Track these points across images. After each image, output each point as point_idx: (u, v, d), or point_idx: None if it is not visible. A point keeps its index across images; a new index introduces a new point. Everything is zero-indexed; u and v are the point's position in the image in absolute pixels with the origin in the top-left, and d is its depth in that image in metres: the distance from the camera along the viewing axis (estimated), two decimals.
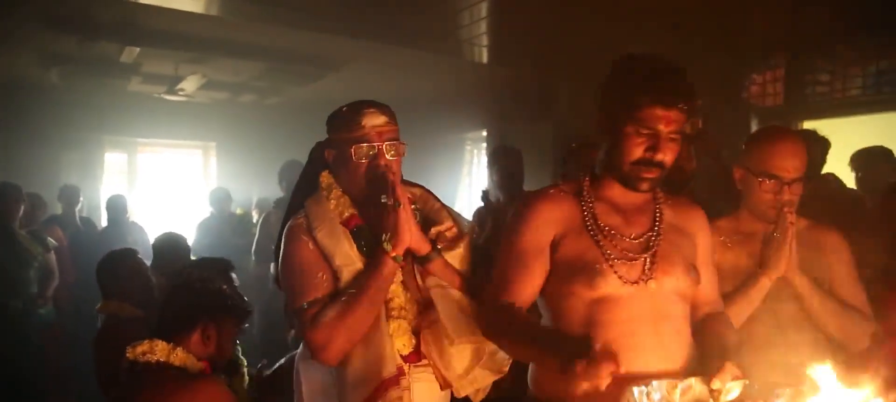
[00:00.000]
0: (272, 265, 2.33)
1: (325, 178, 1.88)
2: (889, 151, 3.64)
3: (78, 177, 7.12)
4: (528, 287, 1.64)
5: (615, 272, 1.57)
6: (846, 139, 3.78)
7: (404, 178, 1.89)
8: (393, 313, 1.77)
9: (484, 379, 1.83)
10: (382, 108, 1.82)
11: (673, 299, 1.61)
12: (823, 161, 3.37)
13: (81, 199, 6.21)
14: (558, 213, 1.67)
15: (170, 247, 3.63)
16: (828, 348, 1.92)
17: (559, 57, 5.27)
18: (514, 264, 1.65)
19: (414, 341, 1.80)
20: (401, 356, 1.77)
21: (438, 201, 1.95)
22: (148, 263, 3.34)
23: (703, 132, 2.61)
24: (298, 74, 6.33)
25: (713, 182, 2.42)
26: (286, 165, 4.83)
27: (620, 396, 1.38)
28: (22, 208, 4.69)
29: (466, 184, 7.73)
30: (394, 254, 1.70)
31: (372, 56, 5.60)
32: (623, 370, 1.35)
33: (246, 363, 2.40)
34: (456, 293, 1.79)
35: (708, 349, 1.57)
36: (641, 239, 1.64)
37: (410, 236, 1.73)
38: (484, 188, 3.96)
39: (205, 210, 6.50)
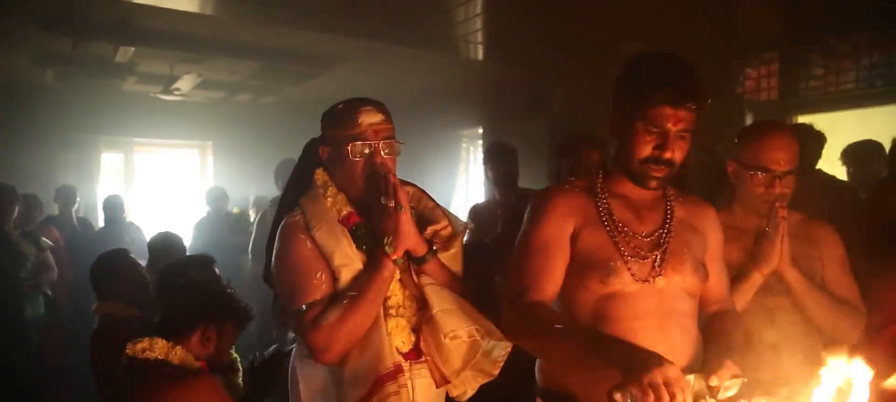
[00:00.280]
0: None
1: (320, 175, 1.87)
2: (880, 145, 3.66)
3: (74, 177, 7.13)
4: (554, 280, 1.62)
5: (629, 269, 1.58)
6: (840, 133, 3.81)
7: (398, 176, 1.89)
8: (390, 311, 1.77)
9: (473, 381, 1.84)
10: (379, 106, 1.82)
11: (680, 296, 1.62)
12: (819, 156, 3.39)
13: (78, 199, 6.21)
14: (575, 206, 1.68)
15: (165, 246, 3.65)
16: (820, 341, 1.94)
17: (553, 53, 5.28)
18: (538, 257, 1.63)
19: (413, 338, 1.80)
20: (400, 353, 1.77)
21: (432, 199, 1.96)
22: (144, 262, 3.35)
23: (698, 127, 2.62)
24: (293, 73, 6.32)
25: (708, 177, 2.43)
26: (282, 164, 4.83)
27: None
28: (16, 209, 4.69)
29: (462, 181, 7.74)
30: (395, 257, 1.71)
31: (366, 55, 5.60)
32: None
33: (239, 359, 2.42)
34: (449, 291, 1.79)
35: (712, 348, 1.58)
36: (653, 236, 1.65)
37: (411, 238, 1.73)
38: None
39: (201, 209, 6.50)
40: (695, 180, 2.46)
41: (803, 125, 3.63)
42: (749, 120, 4.57)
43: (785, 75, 4.54)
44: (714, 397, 1.43)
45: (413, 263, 1.81)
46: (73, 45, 5.27)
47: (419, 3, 4.34)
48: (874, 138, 3.78)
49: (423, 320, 1.80)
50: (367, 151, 1.77)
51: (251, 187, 7.25)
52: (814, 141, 3.36)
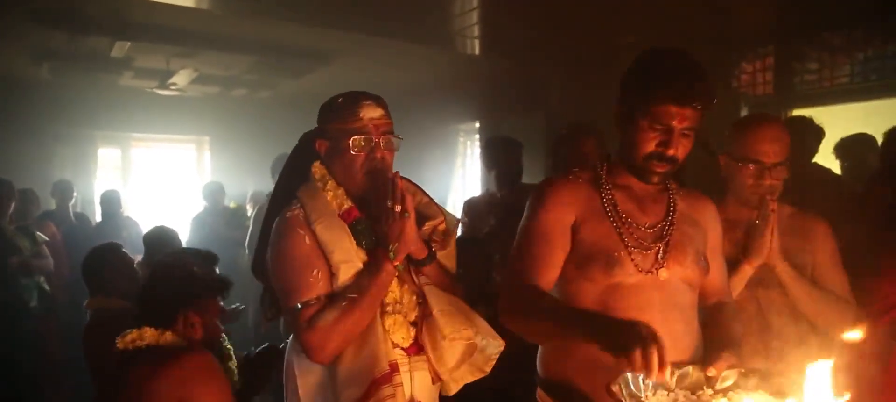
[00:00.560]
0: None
1: (318, 169, 1.85)
2: (873, 139, 3.67)
3: (71, 172, 7.14)
4: (553, 267, 1.64)
5: (632, 261, 1.60)
6: (835, 127, 3.82)
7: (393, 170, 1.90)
8: (388, 308, 1.76)
9: (467, 377, 1.86)
10: (379, 100, 1.81)
11: (682, 288, 1.64)
12: (816, 149, 3.41)
13: (75, 194, 6.20)
14: (578, 196, 1.69)
15: (160, 240, 3.64)
16: (810, 334, 1.96)
17: (551, 47, 5.28)
18: (538, 243, 1.66)
19: (413, 332, 1.79)
20: (401, 348, 1.77)
21: (427, 195, 1.95)
22: (141, 257, 3.35)
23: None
24: (290, 67, 6.32)
25: (702, 171, 2.45)
26: (279, 159, 4.82)
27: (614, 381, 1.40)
28: (13, 204, 4.69)
29: (459, 176, 7.75)
30: (397, 262, 1.70)
31: (363, 49, 5.59)
32: None
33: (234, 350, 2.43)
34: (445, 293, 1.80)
35: (712, 339, 1.61)
36: (655, 228, 1.67)
37: (413, 243, 1.73)
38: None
39: (199, 204, 6.50)
40: (689, 174, 2.48)
41: (802, 118, 3.64)
42: (744, 114, 4.58)
43: (780, 69, 4.55)
44: (712, 387, 1.45)
45: (413, 265, 1.81)
46: (69, 41, 5.26)
47: None
48: (869, 132, 3.79)
49: (422, 315, 1.79)
50: (368, 145, 1.76)
51: (248, 182, 7.26)
52: (812, 135, 3.37)
